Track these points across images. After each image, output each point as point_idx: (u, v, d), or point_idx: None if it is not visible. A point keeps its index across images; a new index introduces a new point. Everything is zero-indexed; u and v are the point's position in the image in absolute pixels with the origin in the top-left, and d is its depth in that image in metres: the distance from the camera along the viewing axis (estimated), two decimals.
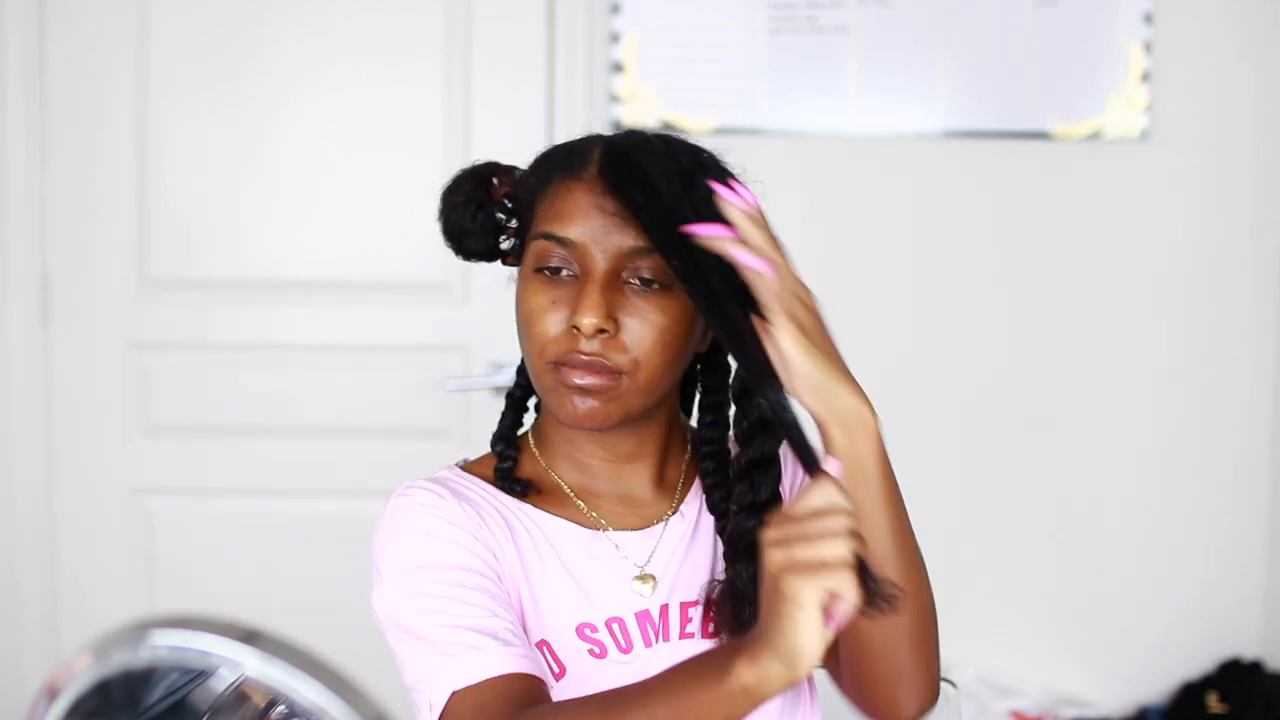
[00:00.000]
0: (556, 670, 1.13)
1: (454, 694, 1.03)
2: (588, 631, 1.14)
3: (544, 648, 1.13)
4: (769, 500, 1.14)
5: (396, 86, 2.73)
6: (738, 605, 1.12)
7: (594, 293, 1.07)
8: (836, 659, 1.10)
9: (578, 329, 1.08)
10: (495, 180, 1.18)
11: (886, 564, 1.01)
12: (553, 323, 1.10)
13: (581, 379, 1.09)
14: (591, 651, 1.13)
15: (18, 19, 2.68)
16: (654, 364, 1.10)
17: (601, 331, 1.07)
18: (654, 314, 1.09)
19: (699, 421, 1.24)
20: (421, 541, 1.11)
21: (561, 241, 1.09)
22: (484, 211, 1.17)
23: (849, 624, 0.87)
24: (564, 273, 1.10)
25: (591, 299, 1.07)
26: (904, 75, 2.75)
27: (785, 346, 0.94)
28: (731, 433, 1.20)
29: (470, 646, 1.04)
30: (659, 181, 1.05)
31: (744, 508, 1.14)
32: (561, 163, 1.13)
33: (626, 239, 1.08)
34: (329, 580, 2.71)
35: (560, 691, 1.11)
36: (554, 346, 1.10)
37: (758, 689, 0.88)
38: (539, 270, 1.11)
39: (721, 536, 1.18)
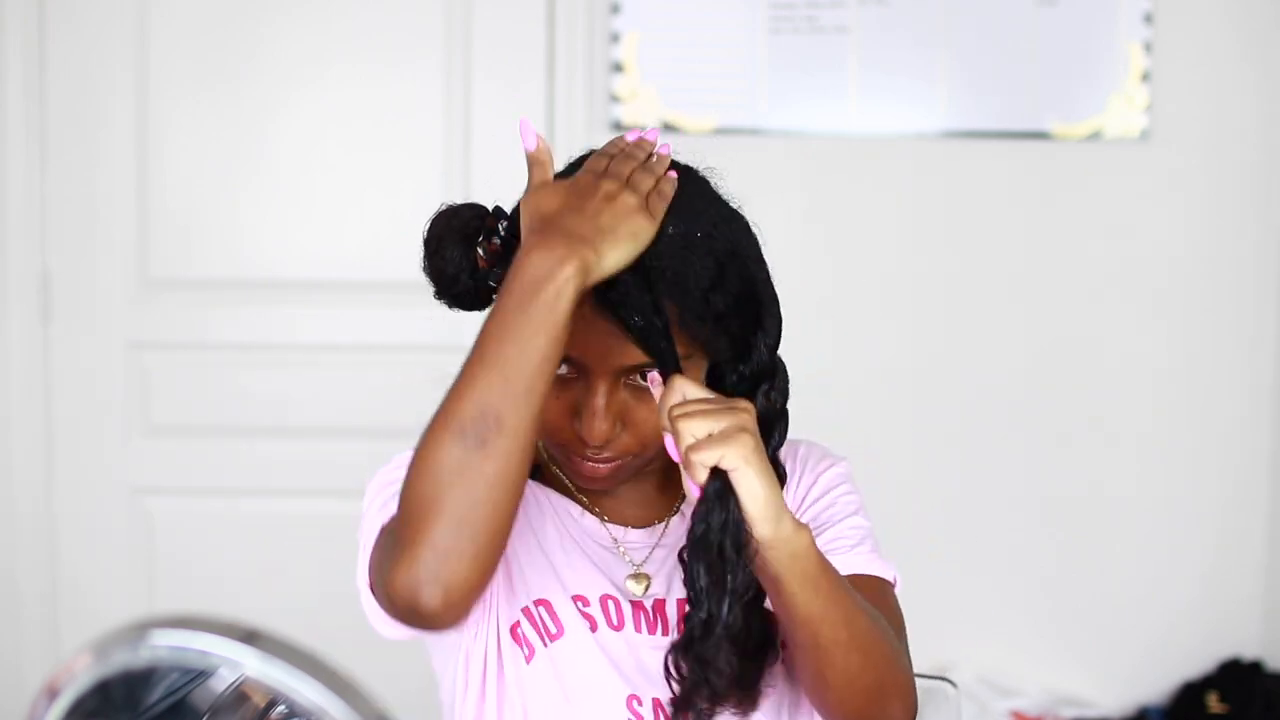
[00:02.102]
0: (554, 631, 1.13)
1: (382, 528, 1.07)
2: (580, 605, 1.15)
3: (543, 607, 1.14)
4: None
5: (396, 86, 2.73)
6: (717, 654, 1.07)
7: (600, 409, 1.07)
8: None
9: (584, 437, 1.08)
10: (480, 250, 1.12)
11: (845, 647, 1.02)
12: (557, 413, 1.09)
13: (592, 467, 1.11)
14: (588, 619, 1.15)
15: (18, 19, 2.68)
16: (660, 439, 1.09)
17: (608, 440, 1.09)
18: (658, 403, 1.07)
19: None
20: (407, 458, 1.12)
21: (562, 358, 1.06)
22: (474, 279, 1.13)
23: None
24: (563, 368, 1.07)
25: (597, 415, 1.07)
26: (904, 75, 2.75)
27: (747, 481, 0.96)
28: None
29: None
30: (659, 293, 1.03)
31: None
32: None
33: (629, 355, 1.06)
34: (329, 580, 2.71)
35: (553, 654, 1.12)
36: (560, 435, 1.10)
37: (556, 267, 0.96)
38: None
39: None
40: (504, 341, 0.97)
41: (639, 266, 1.02)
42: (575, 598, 1.15)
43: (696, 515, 0.98)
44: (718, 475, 0.96)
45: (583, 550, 1.17)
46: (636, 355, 1.06)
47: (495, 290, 1.12)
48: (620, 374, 1.07)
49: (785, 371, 1.15)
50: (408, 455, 1.14)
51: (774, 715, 1.16)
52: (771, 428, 1.13)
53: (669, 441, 0.99)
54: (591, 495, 1.20)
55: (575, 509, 1.19)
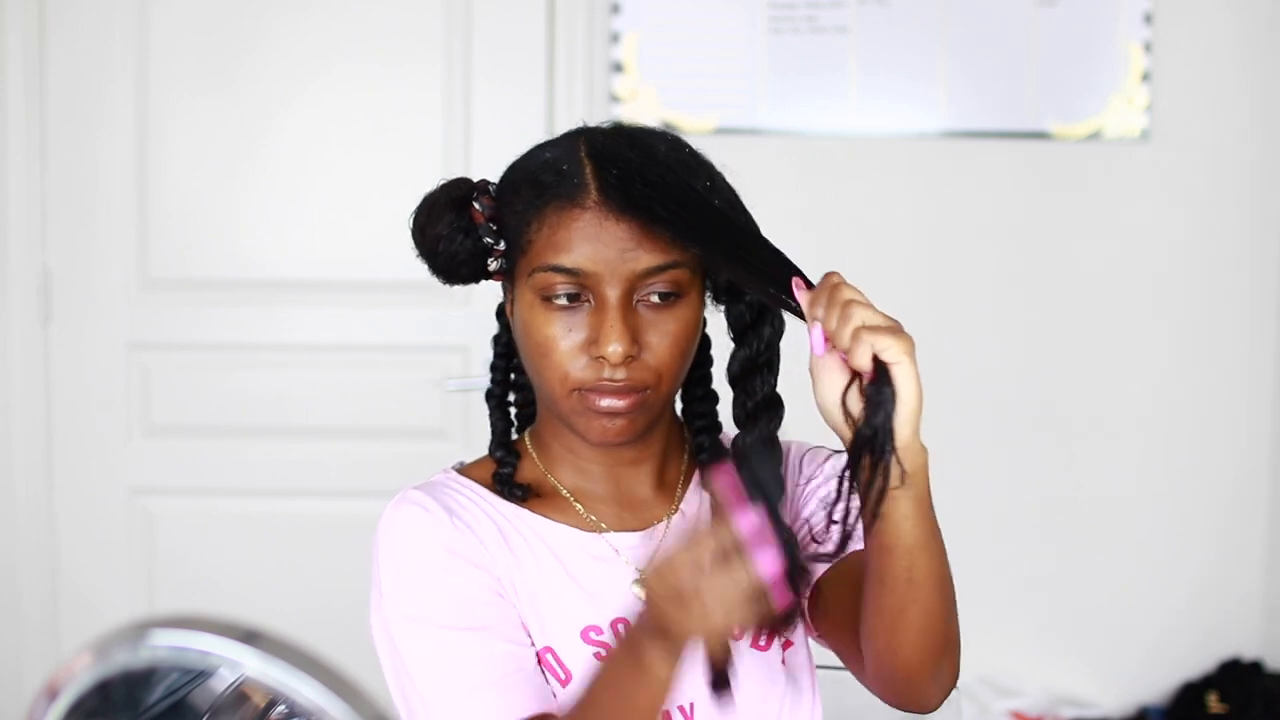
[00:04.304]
0: (563, 676, 1.12)
1: None
2: (593, 634, 1.14)
3: (549, 654, 1.12)
4: (768, 400, 1.14)
5: (396, 87, 2.73)
6: None
7: (617, 322, 1.06)
8: (857, 656, 1.10)
9: (603, 358, 1.07)
10: (475, 204, 1.14)
11: (933, 585, 1.01)
12: (571, 351, 1.09)
13: (611, 403, 1.09)
14: (597, 655, 1.13)
15: (18, 19, 2.68)
16: (675, 371, 1.11)
17: (628, 358, 1.08)
18: (672, 325, 1.09)
19: (688, 397, 1.23)
20: (422, 576, 1.11)
21: (571, 273, 1.07)
22: (470, 238, 1.13)
23: (876, 616, 0.99)
24: (574, 300, 1.08)
25: (616, 329, 1.06)
26: (904, 75, 2.75)
27: (905, 382, 0.96)
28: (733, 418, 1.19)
29: (469, 698, 1.05)
30: (669, 185, 1.05)
31: (747, 414, 1.14)
32: (553, 186, 1.09)
33: (640, 261, 1.06)
34: (329, 580, 2.71)
35: (566, 697, 1.11)
36: (577, 374, 1.09)
37: (675, 671, 0.96)
38: (546, 299, 1.09)
39: None
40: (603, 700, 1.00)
41: (644, 170, 1.05)
42: (586, 630, 1.14)
43: (866, 399, 0.96)
44: (878, 367, 0.95)
45: (584, 579, 1.15)
46: (648, 259, 1.06)
47: (489, 254, 1.14)
48: (633, 284, 1.07)
49: (782, 317, 1.15)
50: (396, 519, 1.14)
51: (774, 713, 1.17)
52: (771, 369, 1.15)
53: (817, 333, 0.97)
54: (590, 504, 1.18)
55: (570, 532, 1.17)
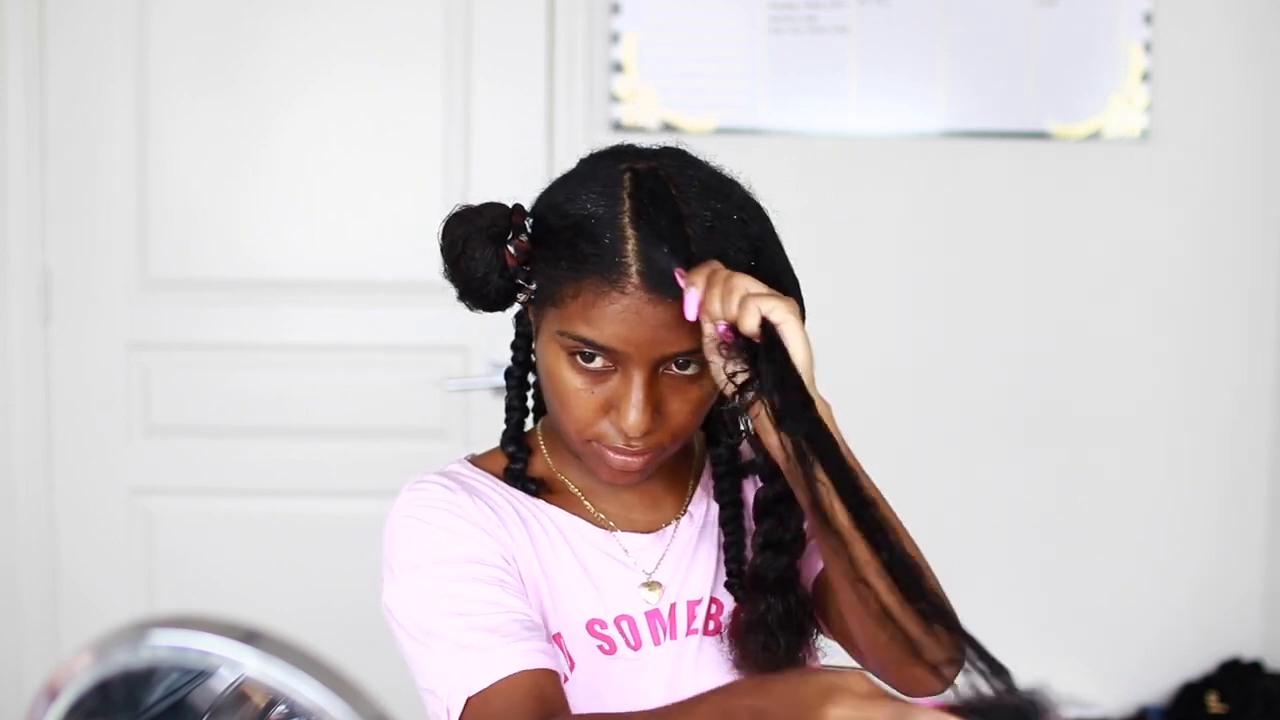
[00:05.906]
0: (568, 665, 1.13)
1: (469, 700, 1.03)
2: (598, 628, 1.15)
3: (557, 641, 1.13)
4: (795, 537, 1.14)
5: (396, 87, 2.73)
6: (769, 639, 1.13)
7: (639, 398, 1.06)
8: (853, 640, 1.10)
9: (622, 429, 1.07)
10: (511, 247, 1.10)
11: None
12: (591, 407, 1.08)
13: (625, 460, 1.10)
14: (601, 648, 1.14)
15: (18, 19, 2.68)
16: (690, 429, 1.11)
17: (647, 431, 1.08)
18: (693, 391, 1.09)
19: (708, 424, 1.23)
20: (433, 536, 1.11)
21: (602, 348, 1.06)
22: (503, 278, 1.11)
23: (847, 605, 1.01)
24: (599, 361, 1.07)
25: (638, 406, 1.06)
26: (904, 75, 2.75)
27: (794, 338, 0.99)
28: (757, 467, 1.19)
29: (481, 649, 1.04)
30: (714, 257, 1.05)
31: (770, 544, 1.14)
32: (593, 260, 1.05)
33: (672, 345, 1.05)
34: (329, 580, 2.71)
35: (570, 688, 1.11)
36: (594, 429, 1.09)
37: None
38: (573, 354, 1.08)
39: (732, 570, 1.18)
40: None
41: (687, 250, 1.04)
42: (592, 622, 1.14)
43: (757, 364, 1.00)
44: (765, 329, 1.00)
45: (595, 572, 1.16)
46: (679, 343, 1.05)
47: (522, 288, 1.12)
48: (659, 364, 1.07)
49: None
50: (413, 497, 1.13)
51: None
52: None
53: (691, 298, 1.01)
54: (600, 503, 1.19)
55: (584, 525, 1.18)
